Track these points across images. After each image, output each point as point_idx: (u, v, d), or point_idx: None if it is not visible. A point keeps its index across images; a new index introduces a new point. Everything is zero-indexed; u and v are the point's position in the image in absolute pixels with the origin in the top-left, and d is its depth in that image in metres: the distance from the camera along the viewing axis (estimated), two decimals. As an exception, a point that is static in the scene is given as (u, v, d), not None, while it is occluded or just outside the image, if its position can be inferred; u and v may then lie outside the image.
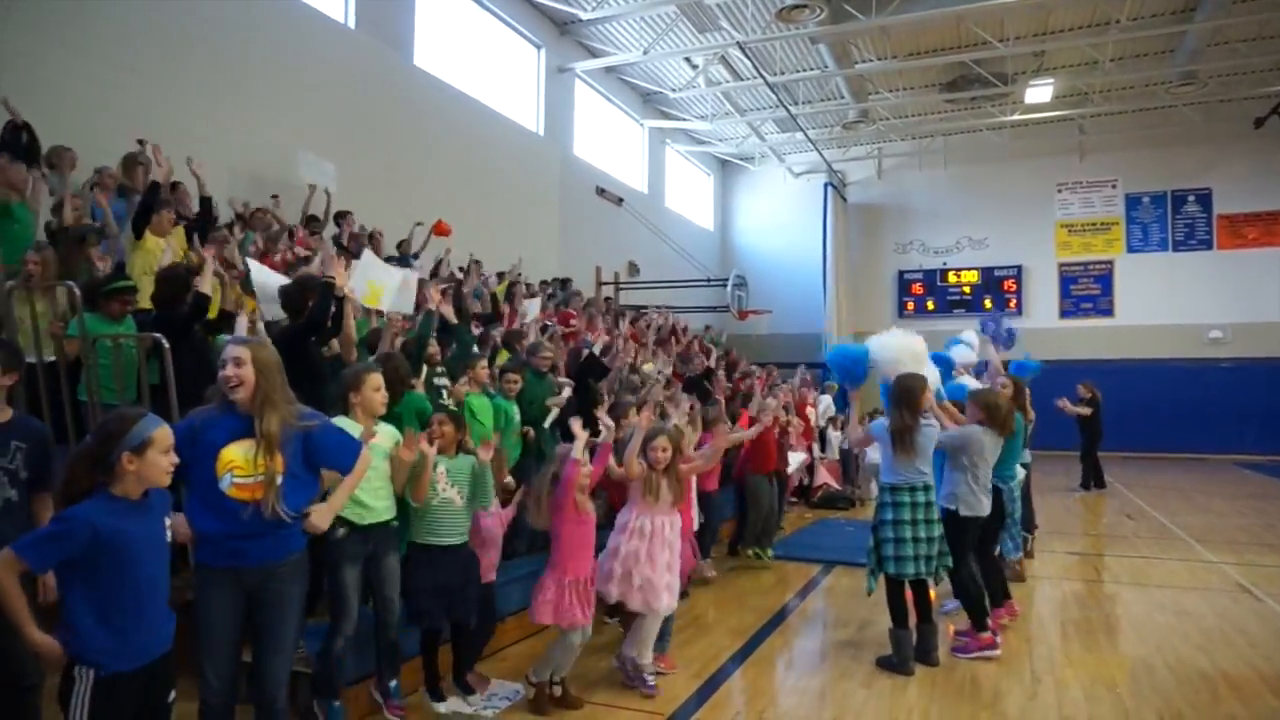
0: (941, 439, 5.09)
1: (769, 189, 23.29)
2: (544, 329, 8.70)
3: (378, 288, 5.72)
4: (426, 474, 3.98)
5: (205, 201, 6.51)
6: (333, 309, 4.53)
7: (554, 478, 4.28)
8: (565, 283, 12.76)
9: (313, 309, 4.50)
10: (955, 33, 15.15)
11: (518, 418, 6.05)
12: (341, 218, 8.93)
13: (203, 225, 6.43)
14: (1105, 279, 20.51)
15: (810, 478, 11.45)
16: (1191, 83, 16.80)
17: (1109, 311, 20.42)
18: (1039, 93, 17.36)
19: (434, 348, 5.70)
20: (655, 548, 4.51)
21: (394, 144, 11.25)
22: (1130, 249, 20.37)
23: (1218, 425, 18.75)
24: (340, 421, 3.58)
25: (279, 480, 2.84)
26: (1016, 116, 18.91)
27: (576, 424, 4.39)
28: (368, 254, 6.02)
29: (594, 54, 15.96)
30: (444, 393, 5.57)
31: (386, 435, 3.92)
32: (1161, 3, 14.42)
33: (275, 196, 8.58)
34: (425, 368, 5.54)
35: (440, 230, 9.47)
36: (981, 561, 5.47)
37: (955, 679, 4.72)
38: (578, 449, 4.26)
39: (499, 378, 6.05)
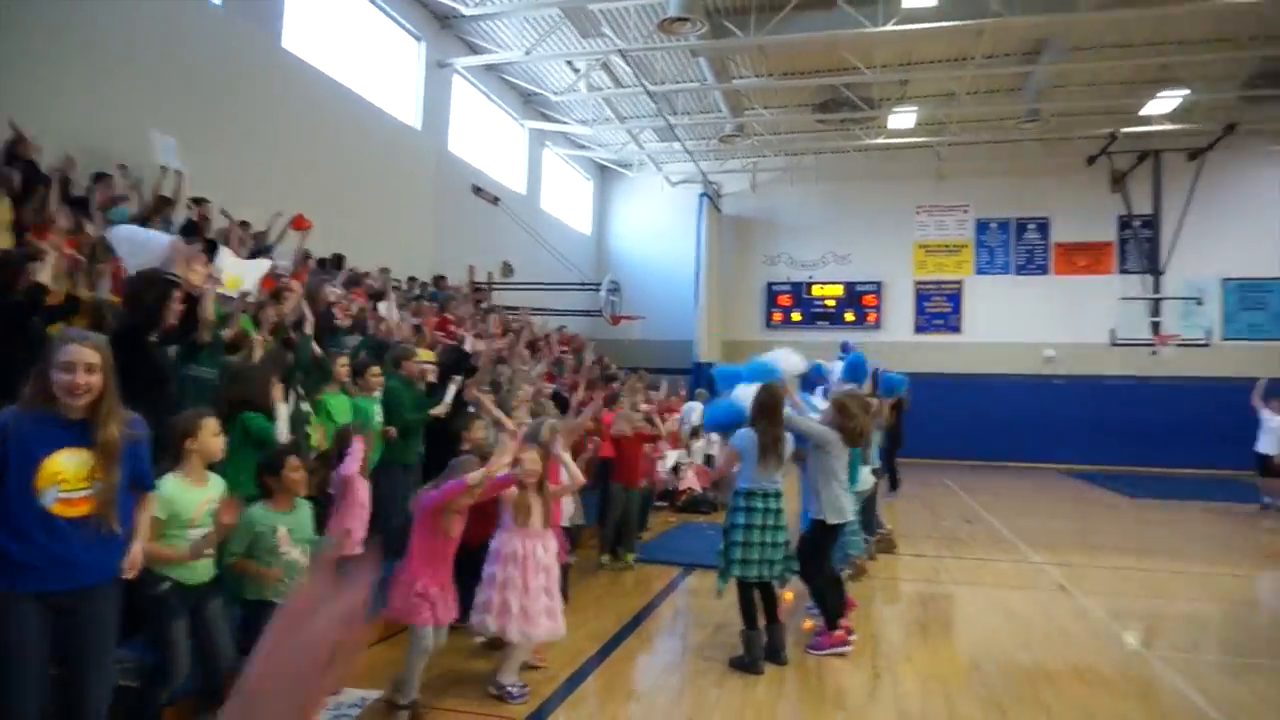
0: (808, 433, 5.33)
1: (646, 196, 23.59)
2: (416, 330, 8.52)
3: (236, 277, 5.50)
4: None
5: (29, 166, 6.05)
6: (178, 307, 4.31)
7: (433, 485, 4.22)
8: (439, 280, 12.50)
9: (150, 307, 4.27)
10: (828, 57, 15.82)
11: (379, 418, 5.90)
12: (197, 203, 8.45)
13: (28, 195, 5.96)
14: (955, 298, 21.88)
15: (677, 481, 11.69)
16: (1036, 120, 18.16)
17: (957, 329, 21.79)
18: (902, 119, 18.40)
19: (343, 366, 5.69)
20: (529, 573, 4.46)
21: (259, 129, 10.72)
22: (979, 271, 21.81)
23: (1049, 437, 20.32)
24: (169, 482, 3.40)
25: (116, 495, 2.64)
26: (881, 140, 19.90)
27: (506, 452, 4.29)
28: (224, 251, 5.78)
29: (475, 50, 15.75)
30: (309, 416, 5.39)
31: (215, 487, 3.65)
32: (1012, 44, 15.54)
33: (122, 166, 8.01)
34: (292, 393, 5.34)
35: (299, 225, 9.09)
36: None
37: (802, 677, 4.93)
38: (476, 475, 4.12)
39: (358, 374, 5.88)
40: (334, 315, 7.20)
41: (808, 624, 5.82)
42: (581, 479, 5.07)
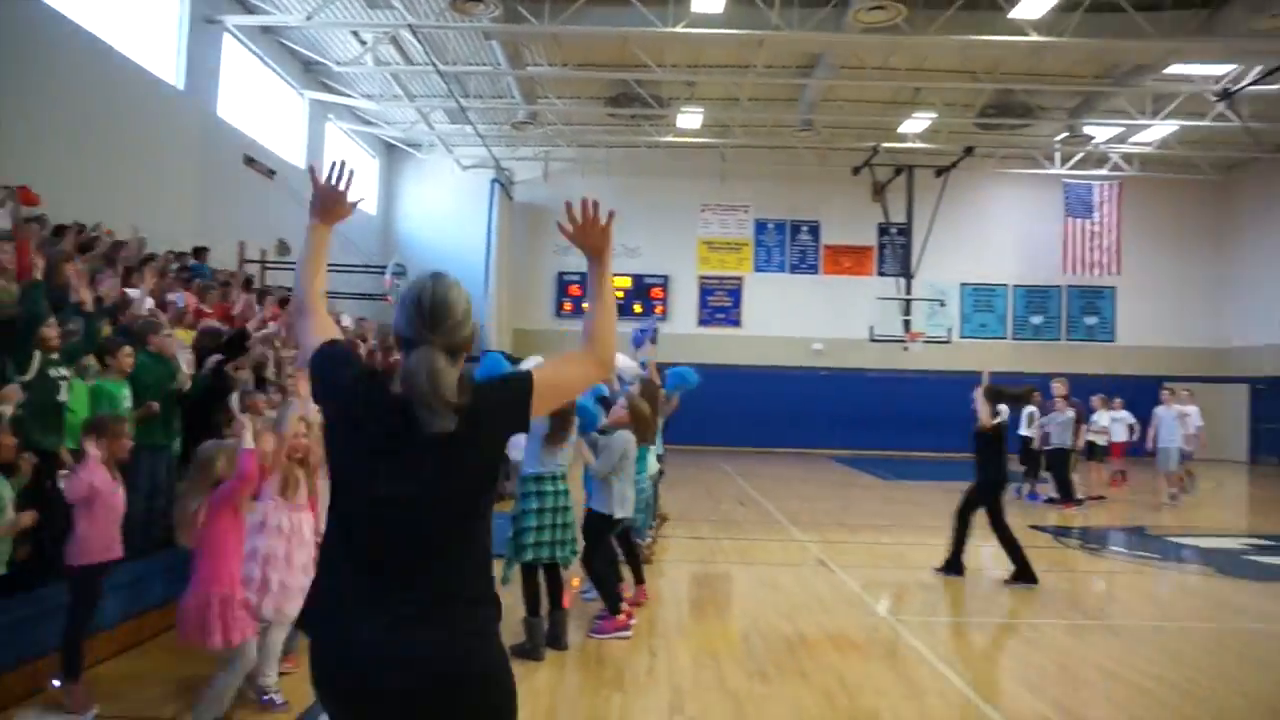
0: (603, 460, 5.43)
1: (436, 179, 22.95)
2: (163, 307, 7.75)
3: None
4: None
5: None
6: None
7: (213, 482, 3.80)
8: (200, 251, 11.38)
9: None
10: (620, 52, 16.10)
11: (128, 402, 5.34)
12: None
13: None
14: (736, 293, 23.12)
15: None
16: (809, 129, 19.57)
17: (738, 322, 23.05)
18: (690, 119, 19.14)
19: (52, 330, 4.85)
20: (294, 548, 4.26)
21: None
22: (757, 268, 23.19)
23: (817, 424, 21.98)
24: None
25: None
26: (670, 138, 20.59)
27: (239, 413, 4.00)
28: None
29: (249, 9, 14.56)
30: (61, 386, 4.78)
31: None
32: (789, 57, 16.61)
33: None
34: (39, 354, 4.69)
35: (26, 199, 7.98)
36: (626, 549, 5.97)
37: (582, 660, 5.02)
38: (248, 437, 3.82)
39: (107, 353, 5.30)
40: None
41: (575, 581, 5.91)
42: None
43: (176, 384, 5.85)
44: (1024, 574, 7.21)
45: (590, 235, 2.35)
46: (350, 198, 2.35)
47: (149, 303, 7.26)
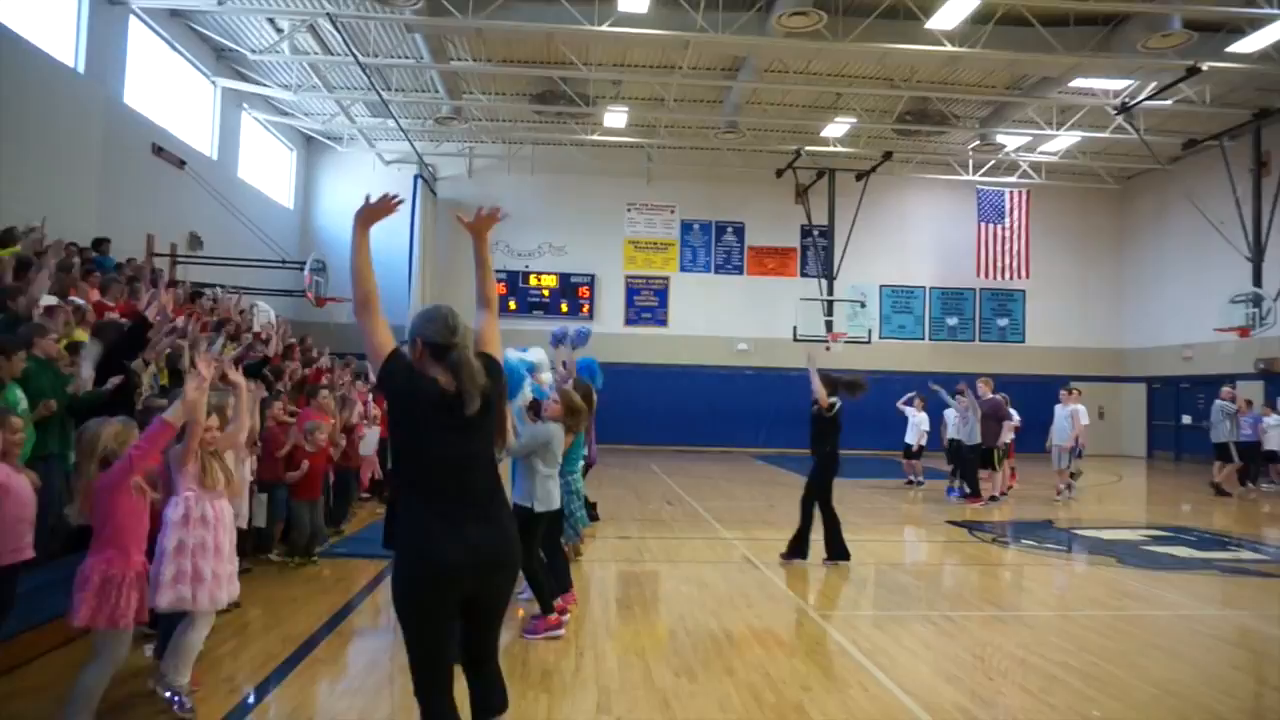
0: (525, 441, 5.33)
1: (357, 173, 22.39)
2: (62, 305, 7.35)
3: None
4: None
5: None
6: None
7: (110, 455, 3.68)
8: (101, 244, 10.83)
9: None
10: (546, 49, 16.00)
11: (23, 404, 5.05)
12: None
13: None
14: (662, 293, 23.22)
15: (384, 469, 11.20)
16: (734, 131, 19.78)
17: (664, 322, 23.17)
18: (615, 118, 19.14)
19: None
20: (220, 536, 4.14)
21: None
22: (683, 268, 23.35)
23: (742, 423, 22.25)
24: None
25: None
26: (596, 137, 20.56)
27: (205, 366, 3.88)
28: None
29: (156, -9, 13.95)
30: None
31: None
32: (713, 60, 16.77)
33: None
34: None
35: None
36: (549, 551, 5.87)
37: (509, 664, 4.94)
38: (173, 410, 3.69)
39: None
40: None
41: (520, 611, 5.84)
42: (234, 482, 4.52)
43: (70, 389, 5.55)
44: (838, 552, 7.80)
45: (481, 225, 3.27)
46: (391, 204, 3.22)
47: (49, 300, 6.87)
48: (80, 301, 7.60)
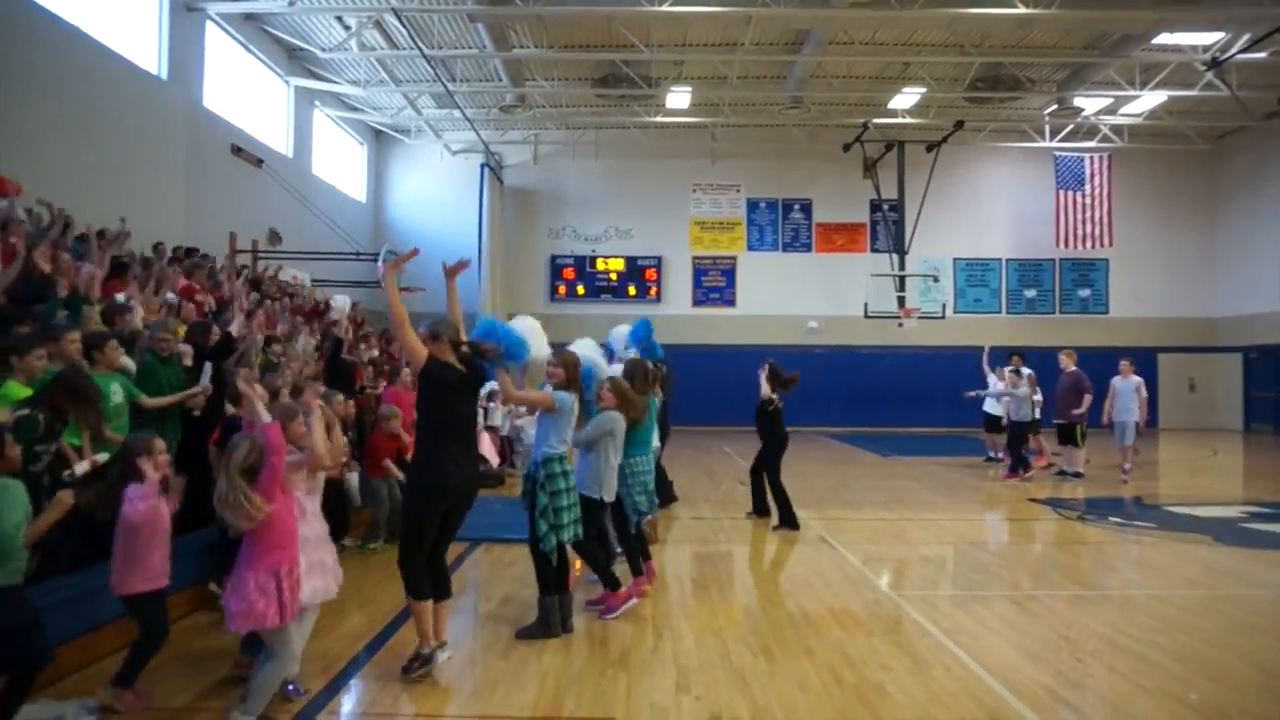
0: (589, 430, 5.40)
1: (425, 164, 22.81)
2: (172, 306, 7.74)
3: None
4: None
5: None
6: None
7: (251, 466, 3.71)
8: (190, 252, 11.35)
9: None
10: (607, 32, 15.97)
11: (118, 396, 5.31)
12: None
13: None
14: (730, 273, 23.07)
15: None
16: (799, 107, 19.45)
17: (732, 302, 23.02)
18: (678, 99, 19.02)
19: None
20: (321, 526, 4.34)
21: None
22: (750, 247, 23.13)
23: (813, 402, 21.95)
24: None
25: None
26: (660, 119, 20.48)
27: (247, 386, 4.02)
28: None
29: (231, -4, 14.40)
30: None
31: None
32: (776, 34, 16.48)
33: None
34: None
35: (4, 190, 7.92)
36: (621, 533, 5.97)
37: (587, 641, 5.04)
38: (263, 412, 3.81)
39: (92, 349, 5.26)
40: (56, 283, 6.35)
41: (578, 565, 5.89)
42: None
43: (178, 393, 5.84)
44: (788, 520, 8.51)
45: (452, 273, 4.88)
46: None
47: (139, 312, 7.22)
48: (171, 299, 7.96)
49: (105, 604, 4.71)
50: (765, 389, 8.89)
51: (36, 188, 8.50)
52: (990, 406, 13.77)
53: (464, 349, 4.49)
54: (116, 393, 5.34)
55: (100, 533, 5.10)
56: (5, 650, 3.37)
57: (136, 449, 4.01)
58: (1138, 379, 12.31)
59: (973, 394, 13.79)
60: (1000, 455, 13.76)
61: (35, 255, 6.35)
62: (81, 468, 4.61)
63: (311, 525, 4.22)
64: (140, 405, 5.52)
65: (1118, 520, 9.35)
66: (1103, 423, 12.50)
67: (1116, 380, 12.43)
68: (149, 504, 3.90)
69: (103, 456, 4.98)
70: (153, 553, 3.97)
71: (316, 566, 4.15)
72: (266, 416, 3.80)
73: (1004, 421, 13.16)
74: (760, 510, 9.09)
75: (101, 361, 5.29)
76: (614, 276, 22.83)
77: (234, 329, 6.92)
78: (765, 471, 8.94)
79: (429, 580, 4.43)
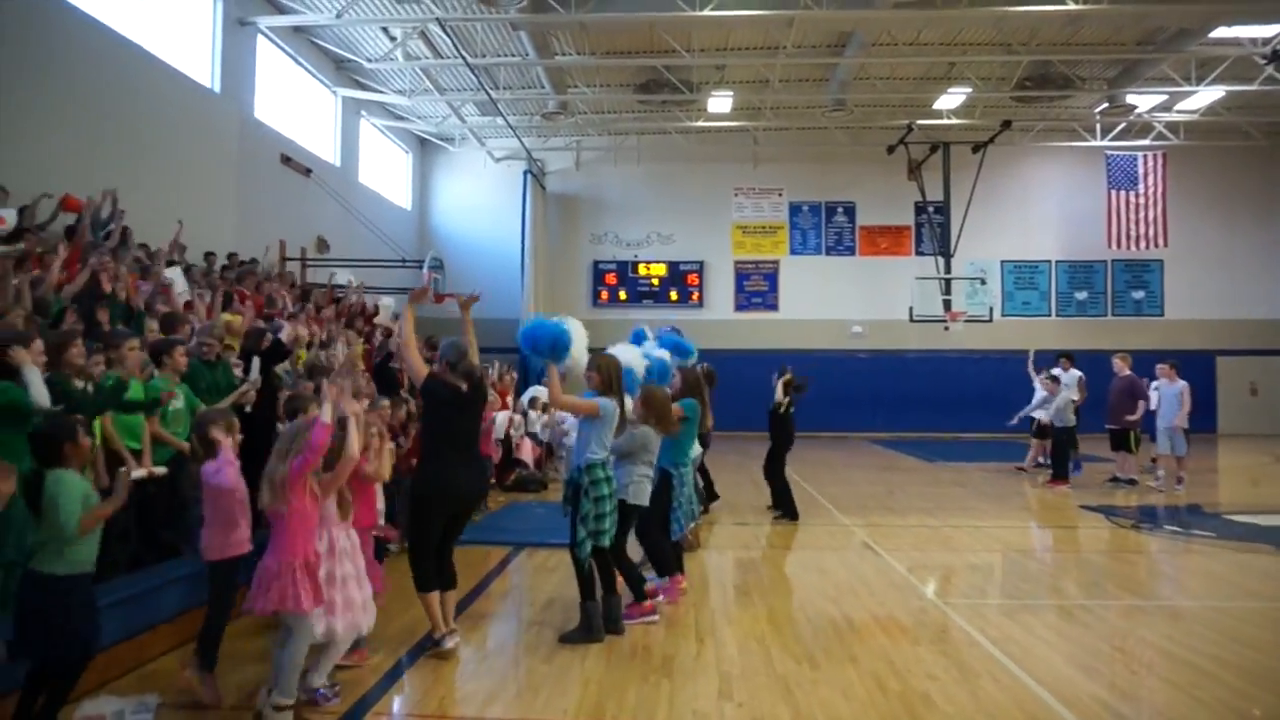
0: (623, 443, 5.41)
1: (469, 171, 23.06)
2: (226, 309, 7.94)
3: None
4: None
5: None
6: None
7: (292, 451, 3.91)
8: (242, 263, 11.64)
9: None
10: (648, 38, 16.01)
11: (179, 402, 5.46)
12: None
13: None
14: (772, 277, 22.93)
15: (506, 456, 11.52)
16: (841, 109, 19.28)
17: (775, 306, 22.86)
18: (720, 103, 18.98)
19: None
20: (356, 563, 4.40)
21: (28, 86, 9.47)
22: (792, 251, 22.97)
23: (857, 408, 21.75)
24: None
25: None
26: (701, 123, 20.45)
27: (330, 387, 4.14)
28: None
29: (281, 10, 14.72)
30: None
31: None
32: (819, 36, 16.36)
33: None
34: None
35: (70, 205, 8.20)
36: (654, 538, 5.97)
37: (629, 647, 5.04)
38: (326, 412, 3.92)
39: (160, 355, 5.42)
40: (120, 295, 6.56)
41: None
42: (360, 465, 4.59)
43: (223, 396, 5.98)
44: (789, 512, 9.50)
45: (467, 305, 5.33)
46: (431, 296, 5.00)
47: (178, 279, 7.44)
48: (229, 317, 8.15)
49: (163, 604, 4.86)
50: (779, 393, 9.84)
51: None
52: (1036, 411, 13.49)
53: (471, 367, 4.90)
54: (179, 398, 5.50)
55: (160, 531, 5.27)
56: (56, 639, 3.46)
57: (211, 418, 4.28)
58: (1183, 383, 11.78)
59: (1017, 417, 13.47)
60: (1040, 462, 13.44)
61: (100, 274, 6.54)
62: (138, 474, 4.74)
63: (341, 563, 4.27)
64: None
65: (1174, 529, 9.08)
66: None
67: (1162, 383, 11.90)
68: (234, 467, 4.14)
69: (161, 470, 5.15)
70: (240, 518, 4.19)
71: (349, 603, 4.20)
72: (327, 416, 3.91)
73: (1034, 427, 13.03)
74: (789, 513, 9.53)
75: (169, 366, 5.47)
76: (656, 282, 22.83)
77: (283, 336, 7.06)
78: (774, 466, 9.77)
79: (436, 575, 4.80)
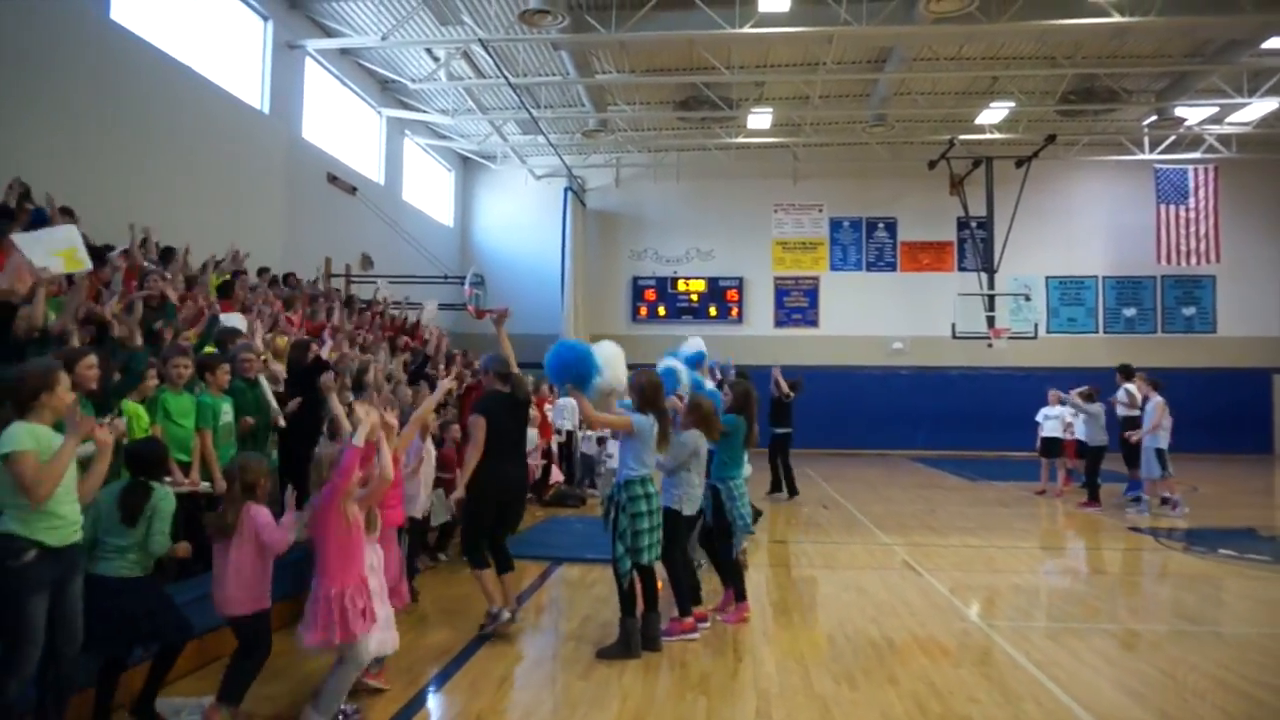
0: (674, 453, 5.45)
1: (510, 189, 23.35)
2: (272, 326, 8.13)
3: (63, 252, 5.09)
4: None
5: None
6: None
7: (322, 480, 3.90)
8: (288, 277, 11.87)
9: None
10: (688, 56, 16.12)
11: (228, 416, 5.59)
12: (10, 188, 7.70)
13: None
14: (812, 293, 22.83)
15: (546, 474, 11.62)
16: (882, 124, 19.20)
17: (815, 323, 22.75)
18: (760, 119, 19.00)
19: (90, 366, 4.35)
20: (383, 578, 4.36)
21: (85, 108, 9.87)
22: (833, 267, 22.86)
23: (898, 425, 21.51)
24: (17, 430, 3.18)
25: None
26: (740, 140, 20.48)
27: (361, 408, 4.04)
28: (22, 237, 5.31)
29: (328, 33, 15.11)
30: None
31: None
32: (859, 52, 16.33)
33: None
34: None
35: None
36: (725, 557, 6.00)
37: (666, 663, 5.03)
38: (360, 434, 3.83)
39: (207, 370, 5.55)
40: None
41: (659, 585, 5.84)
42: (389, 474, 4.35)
43: (262, 414, 6.10)
44: (791, 490, 12.20)
45: (500, 320, 6.08)
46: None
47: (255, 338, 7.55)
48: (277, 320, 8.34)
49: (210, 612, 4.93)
50: (784, 386, 12.02)
51: (151, 216, 9.00)
52: (1050, 430, 13.14)
53: (516, 375, 5.74)
54: (226, 413, 5.61)
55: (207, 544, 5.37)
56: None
57: (256, 468, 3.98)
58: (1158, 397, 11.08)
59: (1136, 436, 11.50)
60: (1058, 484, 13.12)
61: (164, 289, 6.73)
62: (182, 488, 4.81)
63: (370, 579, 4.21)
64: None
65: (1228, 552, 8.81)
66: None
67: (1158, 399, 11.10)
68: (288, 526, 3.91)
69: (205, 485, 5.23)
70: (267, 575, 3.97)
71: (385, 621, 4.19)
72: (359, 439, 3.86)
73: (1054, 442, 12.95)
74: (789, 489, 12.03)
75: (213, 383, 5.57)
76: (695, 298, 22.86)
77: (325, 352, 7.20)
78: (780, 453, 12.00)
79: (493, 557, 5.52)
